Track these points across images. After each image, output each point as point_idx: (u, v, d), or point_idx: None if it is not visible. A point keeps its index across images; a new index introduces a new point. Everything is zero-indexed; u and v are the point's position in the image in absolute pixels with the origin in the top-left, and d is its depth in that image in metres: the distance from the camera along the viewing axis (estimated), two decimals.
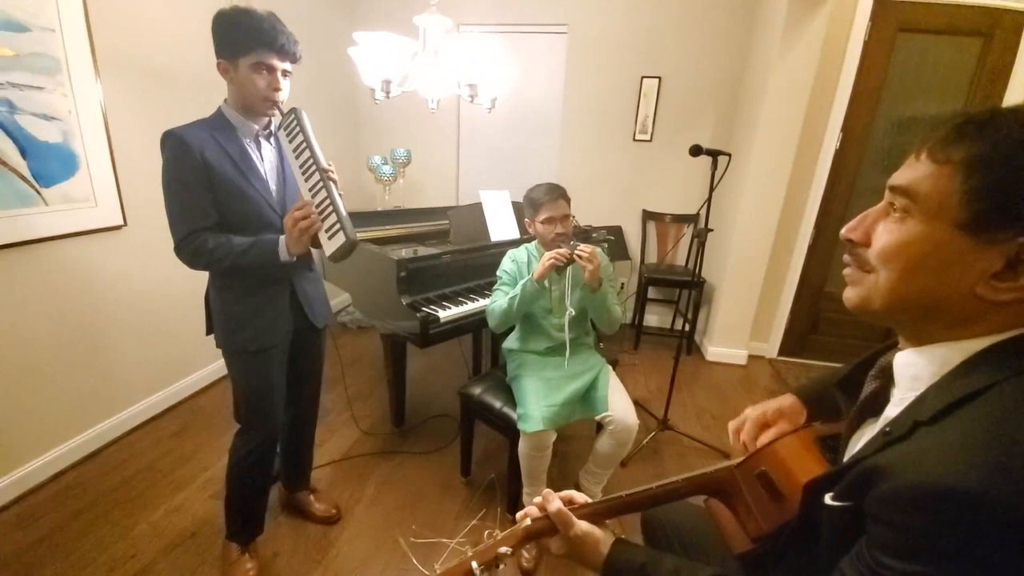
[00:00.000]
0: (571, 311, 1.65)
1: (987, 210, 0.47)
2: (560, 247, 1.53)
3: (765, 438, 0.79)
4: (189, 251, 1.22)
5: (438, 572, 0.66)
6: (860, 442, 0.61)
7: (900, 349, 0.59)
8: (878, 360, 0.64)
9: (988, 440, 0.45)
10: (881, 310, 0.55)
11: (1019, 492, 0.41)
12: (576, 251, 1.50)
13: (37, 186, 1.69)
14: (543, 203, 1.62)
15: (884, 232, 0.54)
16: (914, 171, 0.52)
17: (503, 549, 0.70)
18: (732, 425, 0.87)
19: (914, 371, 0.56)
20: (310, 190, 1.25)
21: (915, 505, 0.45)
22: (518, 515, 0.76)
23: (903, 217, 0.53)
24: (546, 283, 1.60)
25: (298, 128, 1.25)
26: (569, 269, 1.58)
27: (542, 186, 1.66)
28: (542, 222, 1.63)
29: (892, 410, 0.57)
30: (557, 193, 1.63)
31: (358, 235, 1.24)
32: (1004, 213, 0.47)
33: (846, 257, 0.60)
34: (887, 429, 0.53)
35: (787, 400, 0.85)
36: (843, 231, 0.59)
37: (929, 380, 0.53)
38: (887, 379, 0.61)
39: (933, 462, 0.45)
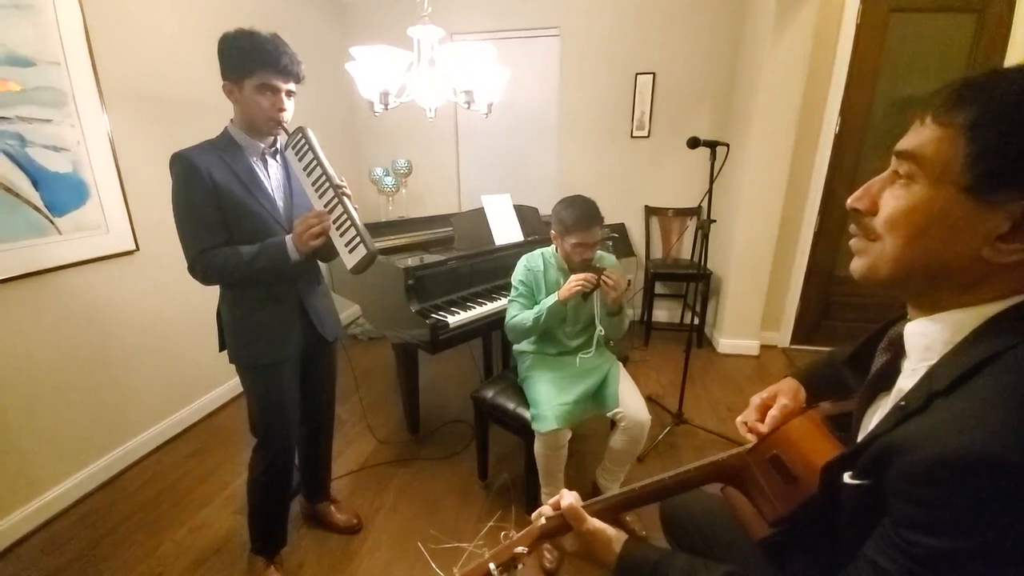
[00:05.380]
0: (601, 330, 1.68)
1: (990, 172, 0.47)
2: (587, 271, 1.54)
3: (771, 416, 0.80)
4: (201, 269, 1.25)
5: (457, 575, 0.66)
6: (875, 417, 0.61)
7: (909, 319, 0.59)
8: (887, 332, 0.63)
9: (1007, 405, 0.44)
10: (888, 278, 0.55)
11: None
12: (603, 276, 1.52)
13: (50, 216, 1.73)
14: (575, 229, 1.56)
15: (891, 198, 0.54)
16: (919, 136, 0.52)
17: (519, 549, 0.71)
18: (739, 419, 0.87)
19: (926, 341, 0.55)
20: (325, 206, 1.27)
21: (940, 478, 0.44)
22: (533, 515, 0.77)
23: (908, 183, 0.53)
24: None
25: (307, 146, 1.27)
26: (596, 293, 1.59)
27: (577, 207, 1.56)
28: (571, 245, 1.59)
29: (905, 382, 0.57)
30: (593, 221, 1.56)
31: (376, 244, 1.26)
32: (1007, 175, 0.47)
33: (852, 228, 0.60)
34: (903, 403, 0.53)
35: (783, 382, 0.87)
36: (849, 201, 0.59)
37: (942, 349, 0.53)
38: (898, 351, 0.60)
39: (953, 432, 0.45)
